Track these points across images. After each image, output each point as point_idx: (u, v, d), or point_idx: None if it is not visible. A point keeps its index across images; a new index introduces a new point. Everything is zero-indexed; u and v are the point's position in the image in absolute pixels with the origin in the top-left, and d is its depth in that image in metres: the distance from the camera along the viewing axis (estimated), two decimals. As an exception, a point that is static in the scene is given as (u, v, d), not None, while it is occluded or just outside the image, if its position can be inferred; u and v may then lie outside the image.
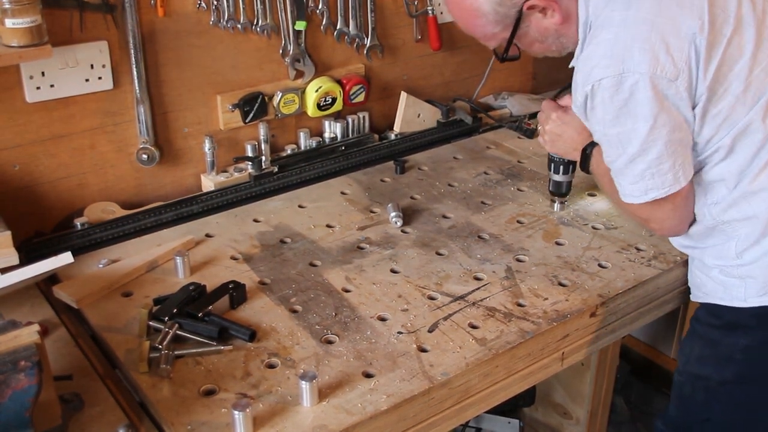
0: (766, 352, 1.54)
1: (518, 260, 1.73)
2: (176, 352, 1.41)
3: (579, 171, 1.76)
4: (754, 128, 1.42)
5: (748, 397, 1.59)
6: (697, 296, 1.65)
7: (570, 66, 1.54)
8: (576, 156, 1.72)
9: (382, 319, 1.53)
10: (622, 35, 1.36)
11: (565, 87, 1.76)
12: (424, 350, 1.45)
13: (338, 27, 2.07)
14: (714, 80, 1.37)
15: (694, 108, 1.40)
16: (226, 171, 2.01)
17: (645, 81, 1.34)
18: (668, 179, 1.43)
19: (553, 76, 2.59)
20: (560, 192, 1.90)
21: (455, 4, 1.53)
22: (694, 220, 1.56)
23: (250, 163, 1.99)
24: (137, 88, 1.81)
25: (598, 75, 1.37)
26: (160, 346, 1.39)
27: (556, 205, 1.92)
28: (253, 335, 1.46)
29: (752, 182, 1.46)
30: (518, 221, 1.88)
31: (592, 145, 1.65)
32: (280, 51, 2.00)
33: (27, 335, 1.16)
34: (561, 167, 1.86)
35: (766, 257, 1.49)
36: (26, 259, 1.63)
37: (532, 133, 2.31)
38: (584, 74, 1.40)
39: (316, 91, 2.06)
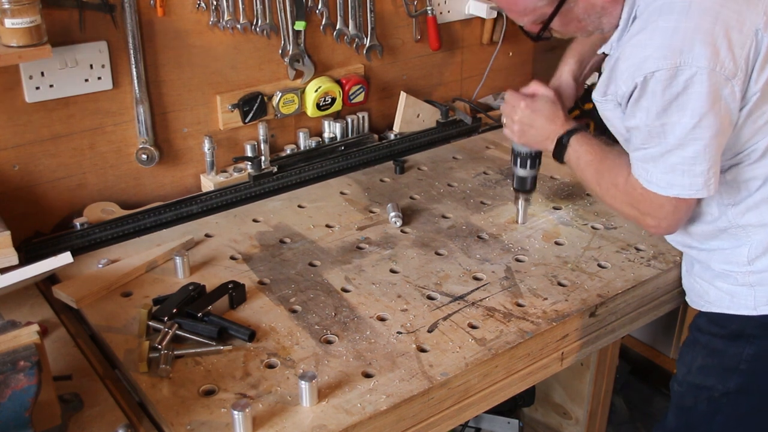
0: None
1: (518, 260, 1.73)
2: (176, 352, 1.41)
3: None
4: None
5: (752, 408, 1.55)
6: (699, 304, 1.60)
7: (601, 51, 1.48)
8: (548, 146, 1.63)
9: (382, 319, 1.53)
10: (684, 25, 1.27)
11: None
12: (423, 350, 1.45)
13: (338, 27, 2.07)
14: (767, 82, 1.31)
15: (741, 109, 1.33)
16: (225, 171, 2.02)
17: (702, 76, 1.26)
18: (698, 183, 1.35)
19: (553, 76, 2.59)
20: (524, 188, 1.80)
21: None
22: (703, 220, 1.50)
23: (249, 163, 1.99)
24: (137, 88, 1.81)
25: (652, 66, 1.28)
26: (160, 346, 1.39)
27: (520, 203, 1.82)
28: (252, 335, 1.46)
29: None
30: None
31: (570, 134, 1.59)
32: (280, 51, 2.00)
33: (27, 335, 1.16)
34: (528, 161, 1.75)
35: None
36: (26, 259, 1.63)
37: None
38: (635, 63, 1.31)
39: (316, 91, 2.06)
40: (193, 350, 1.43)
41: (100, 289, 1.59)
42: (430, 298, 1.60)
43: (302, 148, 2.13)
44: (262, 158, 1.99)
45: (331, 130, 2.18)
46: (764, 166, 1.40)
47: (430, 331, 1.50)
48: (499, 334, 1.50)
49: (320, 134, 2.18)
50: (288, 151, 2.11)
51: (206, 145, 1.94)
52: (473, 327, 1.51)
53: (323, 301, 1.58)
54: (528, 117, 1.65)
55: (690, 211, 1.44)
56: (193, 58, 1.89)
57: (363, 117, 2.22)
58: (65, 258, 1.49)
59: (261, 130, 2.00)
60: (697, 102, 1.27)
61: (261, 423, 1.27)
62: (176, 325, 1.44)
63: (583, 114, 1.79)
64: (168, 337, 1.41)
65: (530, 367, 1.54)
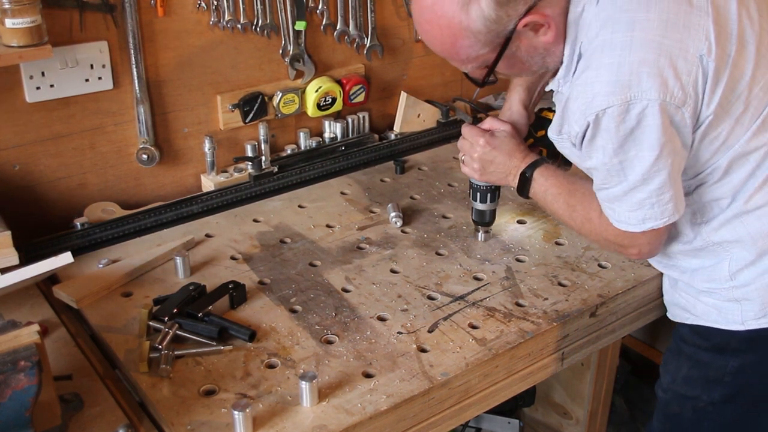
0: (757, 374, 1.49)
1: (518, 260, 1.73)
2: (176, 352, 1.41)
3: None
4: (751, 148, 1.35)
5: (738, 416, 1.54)
6: (684, 317, 1.57)
7: (548, 89, 1.45)
8: (510, 182, 1.61)
9: (382, 319, 1.53)
10: (628, 59, 1.24)
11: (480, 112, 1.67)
12: (424, 350, 1.45)
13: (338, 27, 2.07)
14: (719, 104, 1.29)
15: (696, 131, 1.32)
16: (226, 171, 2.02)
17: (654, 108, 1.24)
18: (668, 209, 1.34)
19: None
20: (484, 221, 1.77)
21: (434, 24, 1.32)
22: (680, 240, 1.49)
23: (250, 163, 1.99)
24: (137, 88, 1.81)
25: (602, 103, 1.25)
26: (160, 346, 1.39)
27: (480, 235, 1.79)
28: (252, 335, 1.46)
29: (747, 202, 1.39)
30: (518, 221, 1.88)
31: (532, 167, 1.56)
32: (280, 51, 2.00)
33: (27, 335, 1.16)
34: (488, 195, 1.72)
35: (762, 278, 1.42)
36: (26, 259, 1.63)
37: None
38: (584, 102, 1.28)
39: (316, 91, 2.06)
40: (194, 350, 1.43)
41: (100, 289, 1.59)
42: (430, 298, 1.60)
43: (303, 148, 2.13)
44: (263, 158, 1.99)
45: (332, 130, 2.18)
46: (728, 183, 1.38)
47: (430, 331, 1.50)
48: (500, 334, 1.50)
49: (321, 134, 2.18)
50: (288, 151, 2.11)
51: (207, 145, 1.94)
52: (474, 327, 1.51)
53: (323, 301, 1.58)
54: (488, 154, 1.61)
55: (667, 234, 1.44)
56: (194, 58, 1.88)
57: (363, 117, 2.22)
58: (65, 258, 1.49)
59: (261, 130, 2.00)
60: (653, 134, 1.26)
61: (261, 423, 1.27)
62: (176, 325, 1.44)
63: (536, 141, 1.76)
64: (168, 337, 1.41)
65: (530, 367, 1.54)
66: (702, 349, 1.53)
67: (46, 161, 1.77)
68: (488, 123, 1.66)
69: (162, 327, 1.44)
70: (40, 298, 1.60)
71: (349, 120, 2.19)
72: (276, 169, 2.01)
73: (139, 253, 1.72)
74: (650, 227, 1.36)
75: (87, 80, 1.75)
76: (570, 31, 1.33)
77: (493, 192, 1.72)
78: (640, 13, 1.26)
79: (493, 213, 1.76)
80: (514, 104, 1.71)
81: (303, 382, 1.30)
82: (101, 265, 1.69)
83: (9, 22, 1.50)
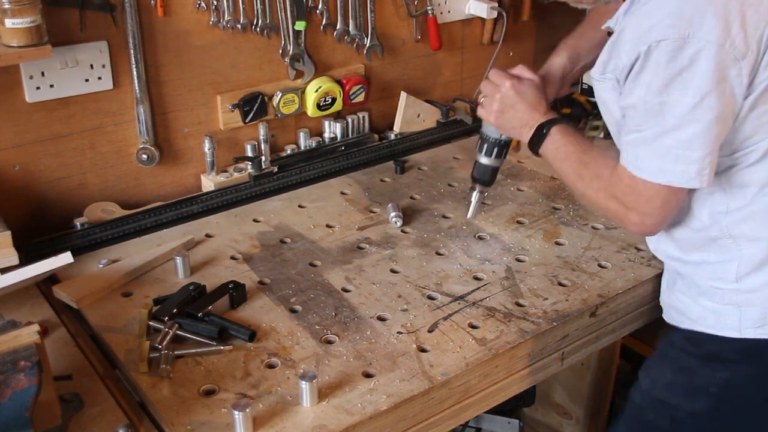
0: (746, 389, 1.43)
1: (518, 260, 1.73)
2: (176, 352, 1.41)
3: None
4: None
5: None
6: (679, 321, 1.51)
7: (605, 27, 1.39)
8: (524, 133, 1.54)
9: (382, 319, 1.53)
10: None
11: None
12: (423, 350, 1.45)
13: (338, 27, 2.07)
14: None
15: (746, 97, 1.24)
16: (225, 171, 2.02)
17: (710, 51, 1.17)
18: (691, 171, 1.25)
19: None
20: (484, 178, 1.69)
21: None
22: (691, 226, 1.42)
23: (249, 163, 1.99)
24: (137, 88, 1.81)
25: (657, 35, 1.19)
26: (160, 346, 1.39)
27: (475, 194, 1.71)
28: (252, 335, 1.46)
29: None
30: (518, 221, 1.88)
31: (551, 123, 1.50)
32: (280, 51, 2.00)
33: (27, 335, 1.16)
34: (495, 149, 1.63)
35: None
36: (26, 259, 1.63)
37: None
38: (639, 32, 1.22)
39: (316, 91, 2.06)
40: (194, 350, 1.43)
41: (100, 289, 1.59)
42: (430, 298, 1.60)
43: (302, 148, 2.13)
44: (263, 158, 1.99)
45: (332, 130, 2.18)
46: (762, 170, 1.32)
47: (430, 331, 1.50)
48: (500, 334, 1.50)
49: (320, 134, 2.18)
50: (288, 151, 2.11)
51: (206, 145, 1.94)
52: (473, 327, 1.51)
53: (323, 301, 1.58)
54: (511, 98, 1.54)
55: (678, 208, 1.36)
56: (194, 58, 1.89)
57: (363, 117, 2.22)
58: (65, 258, 1.49)
59: (261, 130, 2.00)
60: (701, 79, 1.19)
61: (261, 423, 1.27)
62: (176, 325, 1.44)
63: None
64: (168, 337, 1.41)
65: (530, 367, 1.54)
66: (691, 356, 1.47)
67: (46, 161, 1.77)
68: (519, 69, 1.59)
69: (162, 327, 1.44)
70: (40, 298, 1.60)
71: (349, 120, 2.19)
72: (276, 169, 2.01)
73: (139, 253, 1.72)
74: (666, 182, 1.28)
75: (87, 80, 1.75)
76: None
77: (501, 147, 1.64)
78: None
79: (495, 171, 1.68)
80: (553, 65, 1.67)
81: (303, 382, 1.30)
82: (101, 265, 1.69)
83: (9, 22, 1.50)
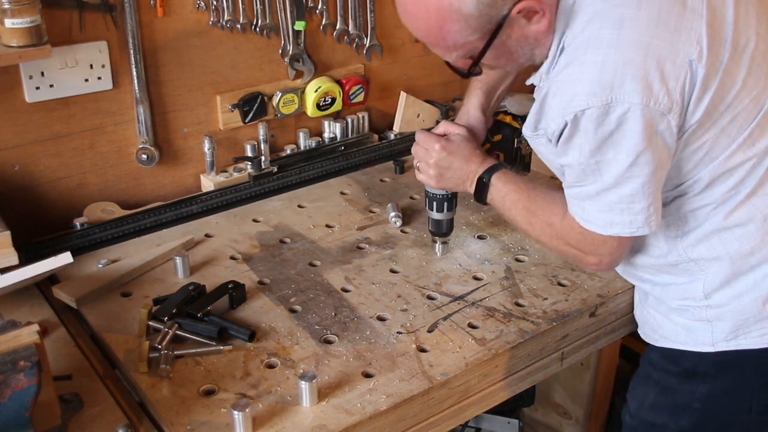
0: (726, 401, 1.43)
1: (518, 260, 1.73)
2: (176, 352, 1.41)
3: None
4: (735, 162, 1.28)
5: None
6: (653, 339, 1.51)
7: (529, 83, 1.38)
8: (467, 188, 1.55)
9: (382, 319, 1.53)
10: (613, 58, 1.17)
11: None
12: (423, 350, 1.45)
13: (338, 27, 2.07)
14: (705, 112, 1.22)
15: (678, 139, 1.25)
16: (225, 171, 2.02)
17: (636, 112, 1.17)
18: (638, 220, 1.27)
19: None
20: (441, 232, 1.70)
21: (420, 5, 1.23)
22: (650, 254, 1.42)
23: (249, 163, 1.99)
24: (137, 88, 1.81)
25: (582, 103, 1.19)
26: (160, 346, 1.39)
27: (438, 247, 1.72)
28: (252, 335, 1.46)
29: (727, 218, 1.32)
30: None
31: (490, 172, 1.50)
32: (280, 51, 2.00)
33: (27, 335, 1.16)
34: (444, 204, 1.65)
35: (738, 300, 1.36)
36: (26, 259, 1.63)
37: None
38: (564, 100, 1.22)
39: (316, 91, 2.06)
40: (193, 350, 1.43)
41: (100, 289, 1.59)
42: (430, 298, 1.60)
43: (302, 148, 2.13)
44: (262, 158, 1.99)
45: (331, 130, 2.18)
46: (710, 196, 1.31)
47: (430, 331, 1.50)
48: (499, 334, 1.50)
49: (320, 134, 2.18)
50: (288, 151, 2.11)
51: (206, 145, 1.94)
52: (473, 327, 1.51)
53: (323, 301, 1.58)
54: (444, 159, 1.54)
55: (631, 245, 1.37)
56: (193, 58, 1.89)
57: (363, 117, 2.22)
58: (65, 258, 1.49)
59: (261, 130, 2.00)
60: (632, 140, 1.19)
61: (261, 423, 1.27)
62: (176, 325, 1.44)
63: (493, 146, 1.70)
64: (168, 337, 1.41)
65: (530, 367, 1.54)
66: (670, 374, 1.47)
67: (45, 161, 1.77)
68: (443, 127, 1.60)
69: (162, 327, 1.44)
70: (40, 298, 1.60)
71: (349, 120, 2.19)
72: (275, 169, 2.01)
73: (139, 253, 1.72)
74: (616, 233, 1.30)
75: (86, 80, 1.75)
76: (560, 21, 1.26)
77: (450, 200, 1.65)
78: (631, 9, 1.19)
79: (450, 222, 1.69)
80: (471, 108, 1.66)
81: (303, 382, 1.30)
82: (101, 265, 1.69)
83: (9, 22, 1.50)
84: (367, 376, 1.38)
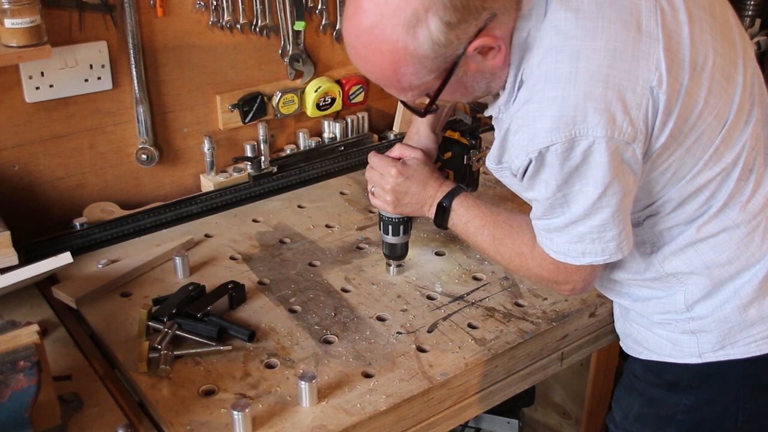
0: (711, 412, 1.41)
1: (517, 260, 1.73)
2: (175, 353, 1.41)
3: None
4: (704, 180, 1.26)
5: None
6: (637, 351, 1.48)
7: (487, 114, 1.35)
8: (426, 212, 1.52)
9: (381, 320, 1.53)
10: (572, 92, 1.14)
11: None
12: (423, 350, 1.45)
13: (337, 27, 2.07)
14: (670, 136, 1.20)
15: (644, 164, 1.22)
16: (225, 171, 2.02)
17: (601, 145, 1.14)
18: (610, 248, 1.25)
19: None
20: (396, 255, 1.65)
21: (373, 49, 1.20)
22: (628, 270, 1.39)
23: (249, 163, 1.99)
24: (136, 88, 1.81)
25: (545, 141, 1.15)
26: (160, 347, 1.39)
27: (392, 269, 1.67)
28: (252, 335, 1.46)
29: (699, 230, 1.30)
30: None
31: (450, 196, 1.47)
32: (280, 51, 2.00)
33: (26, 335, 1.16)
34: (400, 227, 1.61)
35: (720, 310, 1.34)
36: (26, 259, 1.63)
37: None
38: (526, 138, 1.18)
39: (316, 91, 2.06)
40: (193, 350, 1.43)
41: (99, 289, 1.59)
42: (429, 298, 1.60)
43: (302, 148, 2.13)
44: (262, 158, 1.99)
45: (331, 130, 2.18)
46: (682, 214, 1.30)
47: (429, 331, 1.50)
48: (499, 334, 1.50)
49: (320, 134, 2.18)
50: (288, 151, 2.11)
51: (206, 145, 1.94)
52: (473, 327, 1.51)
53: (323, 301, 1.58)
54: (401, 184, 1.50)
55: (602, 270, 1.35)
56: (193, 58, 1.88)
57: (363, 117, 2.22)
58: (65, 258, 1.49)
59: (261, 130, 2.00)
60: (599, 172, 1.16)
61: (261, 423, 1.27)
62: (176, 325, 1.44)
63: (444, 164, 1.67)
64: (168, 337, 1.41)
65: (530, 367, 1.54)
66: (653, 386, 1.45)
67: (45, 161, 1.77)
68: (397, 150, 1.55)
69: (161, 327, 1.44)
70: (39, 298, 1.60)
71: (349, 120, 2.19)
72: (275, 169, 2.01)
73: (139, 253, 1.72)
74: (589, 262, 1.28)
75: (86, 80, 1.75)
76: (514, 55, 1.22)
77: (406, 224, 1.62)
78: (586, 41, 1.15)
79: (405, 246, 1.65)
80: (421, 128, 1.62)
81: (302, 382, 1.30)
82: (100, 266, 1.69)
83: (8, 22, 1.50)
84: (367, 376, 1.38)
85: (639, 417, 1.49)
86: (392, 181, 1.51)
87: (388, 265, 1.68)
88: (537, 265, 1.35)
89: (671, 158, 1.23)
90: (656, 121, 1.18)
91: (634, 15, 1.17)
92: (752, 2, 2.53)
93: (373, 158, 1.56)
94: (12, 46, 1.52)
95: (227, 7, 1.87)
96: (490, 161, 1.33)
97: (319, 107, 2.09)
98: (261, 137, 2.00)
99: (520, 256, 1.38)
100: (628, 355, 1.52)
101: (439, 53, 1.16)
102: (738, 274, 1.33)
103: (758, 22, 2.69)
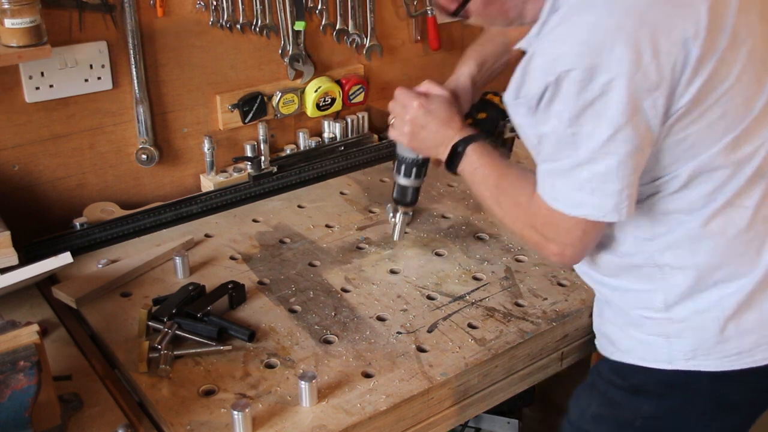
0: (671, 423, 1.37)
1: (517, 260, 1.73)
2: (175, 353, 1.41)
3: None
4: (718, 164, 1.21)
5: None
6: (610, 351, 1.43)
7: (516, 47, 1.30)
8: (439, 153, 1.46)
9: (382, 319, 1.53)
10: (605, 21, 1.11)
11: None
12: (423, 350, 1.45)
13: (337, 27, 2.07)
14: (694, 98, 1.15)
15: (662, 124, 1.17)
16: (225, 171, 2.02)
17: (621, 83, 1.10)
18: (608, 204, 1.19)
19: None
20: (405, 199, 1.60)
21: None
22: (614, 251, 1.34)
23: (249, 163, 1.99)
24: (136, 88, 1.81)
25: (567, 64, 1.12)
26: (160, 346, 1.39)
27: (399, 216, 1.61)
28: (252, 335, 1.46)
29: (703, 226, 1.25)
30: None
31: (466, 141, 1.42)
32: (280, 51, 2.00)
33: (26, 335, 1.16)
34: (413, 169, 1.56)
35: (699, 316, 1.29)
36: (26, 259, 1.63)
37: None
38: (548, 60, 1.15)
39: (316, 91, 2.06)
40: (193, 350, 1.43)
41: (99, 289, 1.59)
42: (429, 298, 1.60)
43: (302, 148, 2.13)
44: (262, 158, 1.99)
45: (331, 130, 2.18)
46: (685, 198, 1.25)
47: (429, 331, 1.50)
48: (499, 334, 1.50)
49: (320, 134, 2.18)
50: (288, 151, 2.11)
51: (206, 145, 1.94)
52: (473, 327, 1.51)
53: (323, 301, 1.58)
54: (421, 118, 1.46)
55: (599, 238, 1.29)
56: (193, 58, 1.89)
57: (363, 117, 2.22)
58: (65, 258, 1.49)
59: (261, 130, 2.00)
60: (614, 112, 1.12)
61: (261, 423, 1.27)
62: (176, 325, 1.44)
63: (476, 124, 1.61)
64: (168, 337, 1.41)
65: (530, 367, 1.54)
66: (617, 388, 1.41)
67: (45, 161, 1.77)
68: (425, 86, 1.50)
69: (161, 327, 1.44)
70: (39, 298, 1.60)
71: (349, 120, 2.19)
72: (275, 169, 2.01)
73: (139, 253, 1.72)
74: (583, 215, 1.21)
75: (86, 80, 1.75)
76: None
77: (420, 167, 1.56)
78: None
79: (416, 191, 1.60)
80: (461, 76, 1.57)
81: (302, 382, 1.30)
82: (100, 266, 1.69)
83: (8, 22, 1.50)
84: (367, 376, 1.38)
85: (596, 417, 1.45)
86: (413, 112, 1.47)
87: (395, 212, 1.62)
88: (532, 215, 1.29)
89: (691, 128, 1.18)
90: (683, 75, 1.13)
91: None
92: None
93: (399, 90, 1.51)
94: (12, 46, 1.52)
95: (227, 7, 1.87)
96: (508, 95, 1.28)
97: (319, 107, 2.09)
98: (261, 137, 2.00)
99: (517, 206, 1.33)
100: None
101: None
102: (724, 282, 1.28)
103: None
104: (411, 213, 1.63)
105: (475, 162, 1.41)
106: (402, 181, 1.59)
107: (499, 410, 2.21)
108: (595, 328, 1.51)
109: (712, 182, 1.23)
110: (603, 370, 1.45)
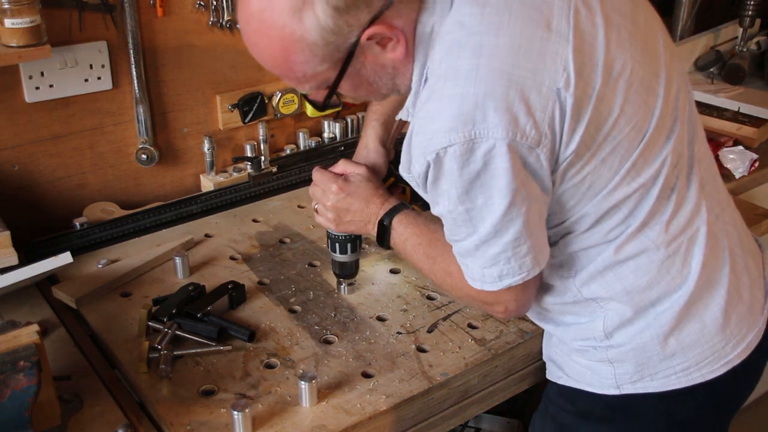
0: None
1: (517, 260, 1.72)
2: (175, 353, 1.41)
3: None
4: (621, 196, 1.17)
5: None
6: (557, 376, 1.40)
7: (398, 118, 1.29)
8: (369, 230, 1.43)
9: (381, 320, 1.53)
10: (473, 90, 1.06)
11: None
12: (423, 350, 1.45)
13: (337, 27, 2.07)
14: (581, 143, 1.11)
15: (553, 173, 1.13)
16: (225, 171, 2.02)
17: (502, 149, 1.05)
18: (527, 263, 1.16)
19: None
20: (346, 273, 1.59)
21: (262, 35, 1.12)
22: (551, 293, 1.32)
23: (249, 163, 1.99)
24: (136, 88, 1.81)
25: (443, 141, 1.07)
26: (160, 347, 1.39)
27: (343, 288, 1.60)
28: (252, 335, 1.46)
29: (618, 252, 1.22)
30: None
31: (390, 214, 1.39)
32: (280, 51, 2.00)
33: (26, 335, 1.16)
34: (348, 245, 1.53)
35: (638, 338, 1.26)
36: (26, 259, 1.63)
37: None
38: (425, 139, 1.10)
39: (316, 91, 2.06)
40: (193, 350, 1.43)
41: (99, 289, 1.59)
42: (429, 298, 1.60)
43: (302, 148, 2.13)
44: (262, 158, 1.99)
45: (331, 130, 2.18)
46: (599, 232, 1.21)
47: (429, 331, 1.50)
48: (499, 334, 1.50)
49: (320, 134, 2.18)
50: (288, 151, 2.11)
51: (206, 145, 1.94)
52: (473, 327, 1.52)
53: (323, 302, 1.58)
54: (343, 201, 1.43)
55: (537, 284, 1.26)
56: (193, 58, 1.89)
57: (363, 117, 2.21)
58: (65, 258, 1.49)
59: (261, 130, 2.00)
60: (502, 179, 1.08)
61: (261, 423, 1.27)
62: (176, 326, 1.44)
63: (398, 180, 1.58)
64: (167, 337, 1.41)
65: (530, 367, 1.54)
66: (567, 412, 1.39)
67: (45, 161, 1.77)
68: (341, 166, 1.47)
69: (161, 327, 1.44)
70: (39, 298, 1.60)
71: (349, 120, 2.19)
72: (275, 169, 2.01)
73: (139, 253, 1.72)
74: (508, 284, 1.18)
75: (86, 80, 1.75)
76: (419, 50, 1.15)
77: (354, 241, 1.54)
78: (490, 36, 1.08)
79: (356, 264, 1.58)
80: (370, 141, 1.54)
81: (302, 383, 1.30)
82: (100, 266, 1.69)
83: (8, 22, 1.50)
84: (367, 376, 1.38)
85: None
86: (333, 197, 1.44)
87: (339, 284, 1.61)
88: (465, 287, 1.25)
89: (585, 169, 1.14)
90: (564, 126, 1.09)
91: (545, 13, 1.09)
92: (752, 2, 2.51)
93: (316, 174, 1.48)
94: (12, 46, 1.52)
95: (227, 7, 1.87)
96: (402, 170, 1.24)
97: (319, 107, 2.08)
98: (261, 137, 2.00)
99: (450, 276, 1.29)
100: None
101: (329, 40, 1.09)
102: (659, 300, 1.25)
103: (758, 22, 2.68)
104: (356, 282, 1.62)
105: (403, 233, 1.38)
106: (341, 258, 1.56)
107: (499, 410, 2.21)
108: (544, 356, 1.47)
109: (620, 213, 1.20)
110: (552, 395, 1.43)
